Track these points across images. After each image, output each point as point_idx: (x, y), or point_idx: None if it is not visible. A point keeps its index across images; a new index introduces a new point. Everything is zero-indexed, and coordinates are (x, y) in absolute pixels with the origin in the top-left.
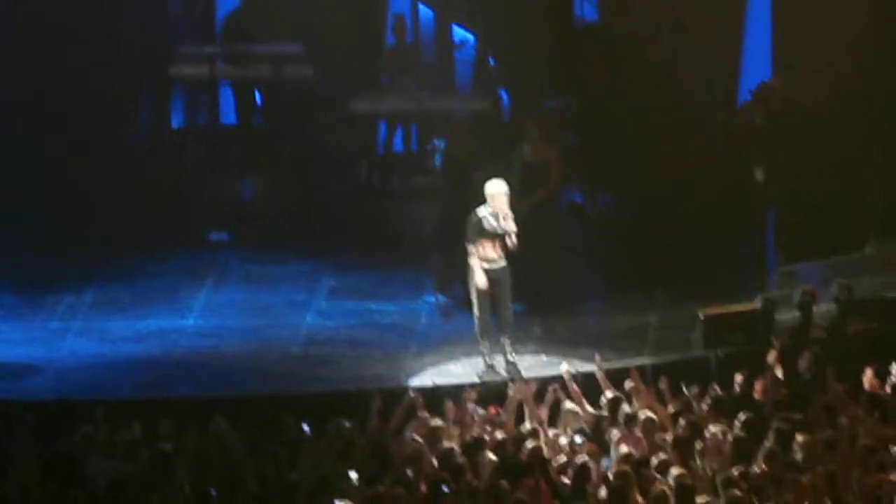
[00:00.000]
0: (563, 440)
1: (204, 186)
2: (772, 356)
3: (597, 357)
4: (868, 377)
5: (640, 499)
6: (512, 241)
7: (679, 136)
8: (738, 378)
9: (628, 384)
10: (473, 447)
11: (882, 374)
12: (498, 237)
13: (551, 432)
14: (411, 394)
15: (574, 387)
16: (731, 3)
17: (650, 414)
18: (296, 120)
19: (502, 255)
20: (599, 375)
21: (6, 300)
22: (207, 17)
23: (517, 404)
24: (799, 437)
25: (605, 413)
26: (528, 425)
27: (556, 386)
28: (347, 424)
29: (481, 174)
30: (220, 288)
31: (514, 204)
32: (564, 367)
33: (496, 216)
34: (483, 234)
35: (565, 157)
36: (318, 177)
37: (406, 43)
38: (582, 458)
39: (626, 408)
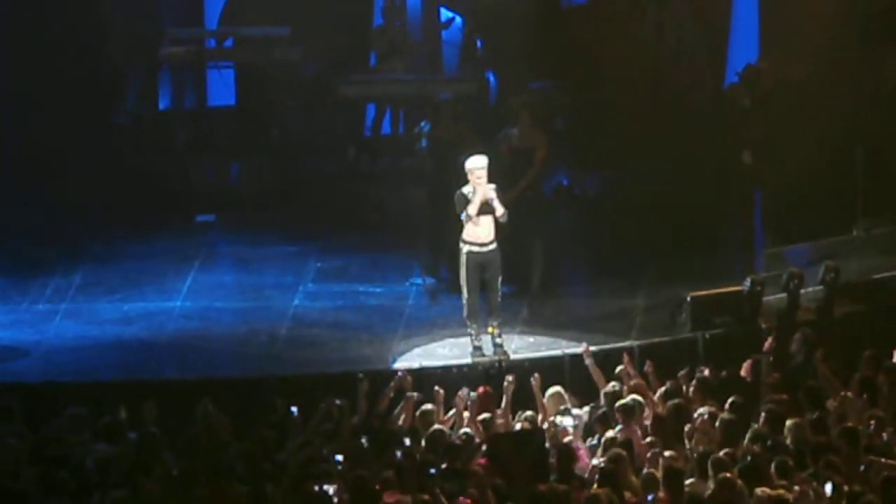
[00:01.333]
0: (550, 421)
1: (191, 168)
2: (768, 343)
3: (585, 348)
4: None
5: (632, 480)
6: (500, 213)
7: (666, 119)
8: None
9: (619, 368)
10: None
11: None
12: (486, 214)
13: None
14: (400, 374)
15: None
16: None
17: (638, 397)
18: (283, 102)
19: (492, 235)
20: (589, 363)
21: None
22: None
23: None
24: (787, 420)
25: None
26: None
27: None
28: (338, 402)
29: (466, 157)
30: (207, 270)
31: (504, 192)
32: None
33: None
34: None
35: (552, 142)
36: (306, 159)
37: (394, 24)
38: (568, 439)
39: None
